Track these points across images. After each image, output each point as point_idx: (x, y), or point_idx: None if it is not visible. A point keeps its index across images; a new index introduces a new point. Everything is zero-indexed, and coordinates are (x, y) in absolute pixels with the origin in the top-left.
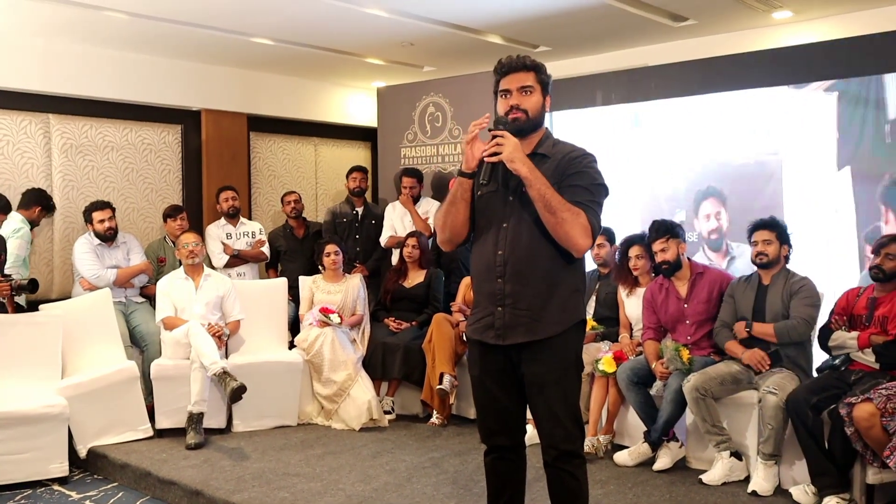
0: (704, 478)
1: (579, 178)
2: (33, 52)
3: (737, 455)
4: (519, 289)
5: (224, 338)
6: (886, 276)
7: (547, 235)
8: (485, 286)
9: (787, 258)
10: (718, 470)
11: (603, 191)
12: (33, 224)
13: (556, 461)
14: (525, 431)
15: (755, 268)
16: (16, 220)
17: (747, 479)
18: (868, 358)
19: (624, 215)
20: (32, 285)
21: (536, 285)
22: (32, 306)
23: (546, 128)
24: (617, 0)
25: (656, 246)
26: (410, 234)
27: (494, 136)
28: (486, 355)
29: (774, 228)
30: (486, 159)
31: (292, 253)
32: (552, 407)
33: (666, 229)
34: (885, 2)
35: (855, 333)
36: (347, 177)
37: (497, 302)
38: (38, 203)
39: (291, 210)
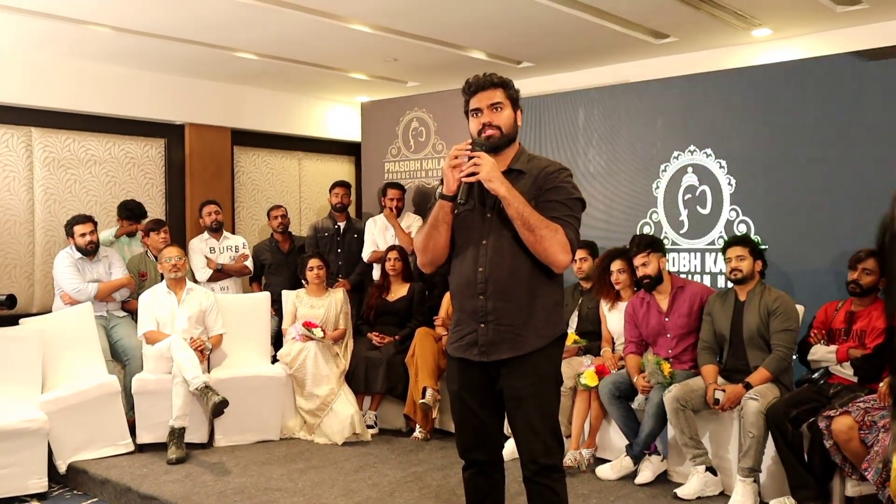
0: (679, 492)
1: (556, 194)
2: (16, 65)
3: (712, 470)
4: (501, 305)
5: (206, 352)
6: (864, 291)
7: (527, 251)
8: (466, 303)
9: (761, 273)
10: (693, 484)
11: (580, 205)
12: (130, 234)
13: (536, 475)
14: (503, 446)
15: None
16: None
17: (722, 495)
18: (846, 371)
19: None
20: (10, 301)
21: (518, 301)
22: (13, 320)
23: (520, 143)
24: (599, 17)
25: (637, 260)
26: (391, 248)
27: (471, 157)
28: (465, 370)
29: (747, 244)
30: (463, 179)
31: (277, 267)
32: (531, 421)
33: (647, 244)
34: (863, 20)
35: (833, 347)
36: (330, 192)
37: (479, 319)
38: (120, 216)
39: (279, 225)
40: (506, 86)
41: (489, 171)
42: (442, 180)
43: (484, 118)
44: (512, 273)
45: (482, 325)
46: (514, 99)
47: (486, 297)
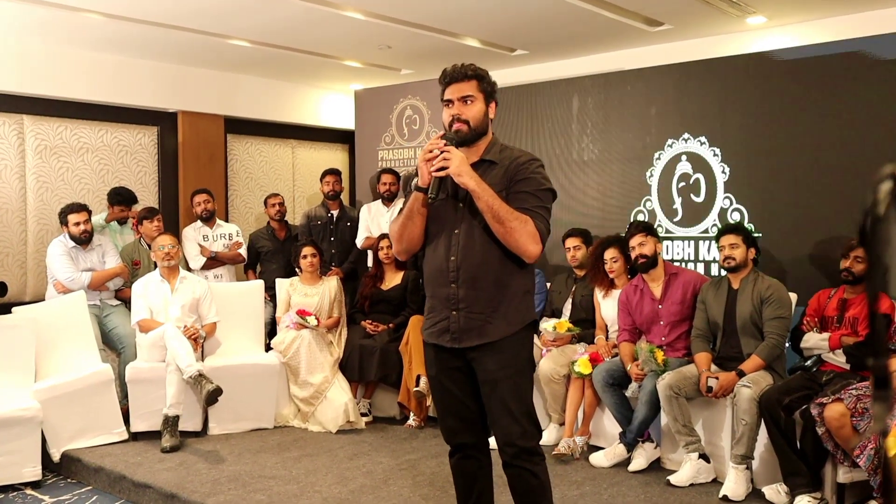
0: (672, 479)
1: (527, 185)
2: (7, 52)
3: (705, 457)
4: (472, 293)
5: (200, 340)
6: (856, 279)
7: (497, 241)
8: (438, 291)
9: (755, 261)
10: (686, 471)
11: (550, 195)
12: (121, 222)
13: (515, 459)
14: (488, 431)
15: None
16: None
17: (715, 482)
18: (839, 359)
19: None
20: (2, 289)
21: (488, 289)
22: (5, 309)
23: (493, 133)
24: (593, 5)
25: (634, 240)
26: (383, 236)
27: (441, 151)
28: (440, 355)
29: (741, 232)
30: (433, 174)
31: (273, 254)
32: (506, 404)
33: (645, 227)
34: (859, 8)
35: (826, 335)
36: (321, 180)
37: (451, 306)
38: (111, 202)
39: (276, 213)
40: (480, 78)
41: (458, 165)
42: (417, 171)
43: (454, 110)
44: (482, 262)
45: (454, 313)
46: (487, 92)
47: (458, 285)
